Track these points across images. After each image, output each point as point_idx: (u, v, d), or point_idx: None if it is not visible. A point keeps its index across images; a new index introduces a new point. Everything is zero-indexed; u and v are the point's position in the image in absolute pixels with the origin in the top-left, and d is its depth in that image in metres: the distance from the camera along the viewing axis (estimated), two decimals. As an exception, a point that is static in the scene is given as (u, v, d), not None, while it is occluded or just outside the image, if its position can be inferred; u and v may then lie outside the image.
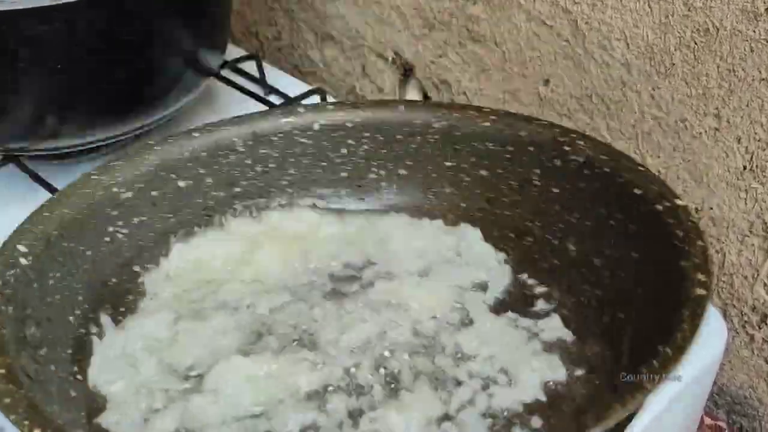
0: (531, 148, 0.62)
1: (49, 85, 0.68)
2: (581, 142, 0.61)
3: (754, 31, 0.62)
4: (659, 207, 0.54)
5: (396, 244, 0.64)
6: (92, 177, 0.57)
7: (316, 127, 0.65)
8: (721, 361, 0.67)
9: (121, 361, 0.54)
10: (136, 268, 0.60)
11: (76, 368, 0.52)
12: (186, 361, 0.54)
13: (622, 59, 0.72)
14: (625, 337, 0.54)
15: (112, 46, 0.69)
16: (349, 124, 0.65)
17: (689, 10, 0.65)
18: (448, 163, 0.65)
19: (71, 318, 0.53)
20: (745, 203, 0.69)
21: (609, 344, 0.54)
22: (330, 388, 0.53)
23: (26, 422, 0.40)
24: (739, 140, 0.67)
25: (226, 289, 0.60)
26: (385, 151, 0.65)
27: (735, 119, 0.66)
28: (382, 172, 0.66)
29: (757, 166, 0.67)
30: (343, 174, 0.66)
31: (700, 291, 0.47)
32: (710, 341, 0.64)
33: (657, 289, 0.52)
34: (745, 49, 0.63)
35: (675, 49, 0.68)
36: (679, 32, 0.67)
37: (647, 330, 0.50)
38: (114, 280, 0.58)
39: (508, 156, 0.63)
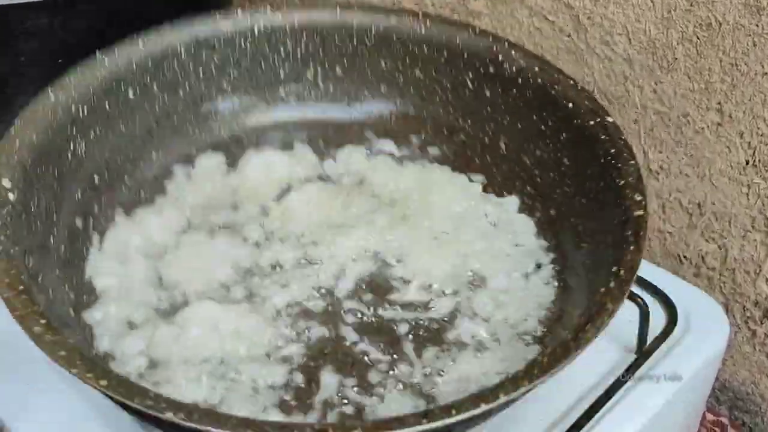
0: (466, 55, 0.65)
1: (50, 79, 0.67)
2: (515, 53, 0.64)
3: (757, 26, 0.62)
4: (591, 122, 0.57)
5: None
6: (50, 96, 0.57)
7: (255, 30, 0.66)
8: (723, 357, 0.67)
9: (117, 256, 0.57)
10: (97, 181, 0.60)
11: (72, 296, 0.54)
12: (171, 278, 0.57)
13: (624, 54, 0.71)
14: (566, 244, 0.59)
15: (111, 40, 0.69)
16: (287, 27, 0.67)
17: (692, 4, 0.65)
18: (383, 64, 0.68)
19: (51, 239, 0.54)
20: (748, 198, 0.69)
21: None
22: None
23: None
24: (741, 135, 0.67)
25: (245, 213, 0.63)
26: (322, 52, 0.68)
27: (737, 114, 0.66)
28: (320, 71, 0.69)
29: (759, 161, 0.67)
30: (281, 74, 0.68)
31: (639, 212, 0.51)
32: (712, 336, 0.64)
33: (593, 199, 0.56)
34: (747, 44, 0.63)
35: (677, 44, 0.67)
36: (681, 27, 0.66)
37: (592, 239, 0.55)
38: (79, 195, 0.59)
39: (442, 60, 0.66)
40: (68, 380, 0.59)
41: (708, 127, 0.69)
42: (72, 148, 0.58)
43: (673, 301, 0.65)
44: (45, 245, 0.53)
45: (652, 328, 0.62)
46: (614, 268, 0.48)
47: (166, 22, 0.64)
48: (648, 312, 0.61)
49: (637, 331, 0.62)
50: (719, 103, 0.67)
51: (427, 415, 0.40)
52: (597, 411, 0.57)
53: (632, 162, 0.55)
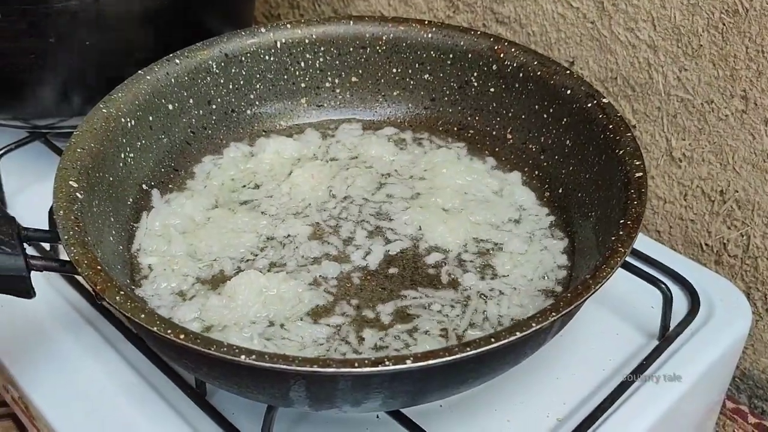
0: (470, 56, 0.71)
1: (77, 62, 0.68)
2: (514, 50, 0.69)
3: (785, 12, 0.62)
4: (589, 105, 0.63)
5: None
6: (102, 109, 0.63)
7: (278, 45, 0.72)
8: (744, 345, 0.67)
9: (159, 235, 0.63)
10: (145, 187, 0.66)
11: (129, 280, 0.60)
12: (204, 250, 0.62)
13: (648, 41, 0.71)
14: (575, 216, 0.63)
15: (138, 25, 0.69)
16: (306, 40, 0.73)
17: (718, -10, 0.65)
18: (395, 70, 0.74)
19: (111, 238, 0.59)
20: (771, 186, 0.69)
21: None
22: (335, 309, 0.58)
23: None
24: (766, 122, 0.67)
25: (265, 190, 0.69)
26: (339, 62, 0.74)
27: (763, 101, 0.66)
28: (337, 81, 0.75)
29: (783, 148, 0.67)
30: (302, 85, 0.74)
31: (639, 174, 0.56)
32: (734, 323, 0.64)
33: (596, 172, 0.61)
34: (774, 30, 0.63)
35: (703, 31, 0.67)
36: (707, 13, 0.66)
37: (599, 207, 0.60)
38: (130, 200, 0.64)
39: (449, 62, 0.72)
40: (92, 360, 0.61)
41: (732, 114, 0.69)
42: (123, 156, 0.64)
43: (696, 288, 0.66)
44: (105, 239, 0.58)
45: (675, 315, 0.62)
46: (621, 221, 0.53)
47: (199, 42, 0.70)
48: (671, 297, 0.61)
49: (659, 318, 0.62)
50: (744, 90, 0.67)
51: (470, 344, 0.44)
52: (621, 395, 0.57)
53: (629, 134, 0.59)
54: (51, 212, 0.59)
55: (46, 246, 0.68)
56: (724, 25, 0.66)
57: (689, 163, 0.74)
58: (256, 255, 0.62)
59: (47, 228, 0.61)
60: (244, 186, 0.69)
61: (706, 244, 0.76)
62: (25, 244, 0.52)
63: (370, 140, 0.73)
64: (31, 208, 0.71)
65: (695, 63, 0.69)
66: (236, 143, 0.72)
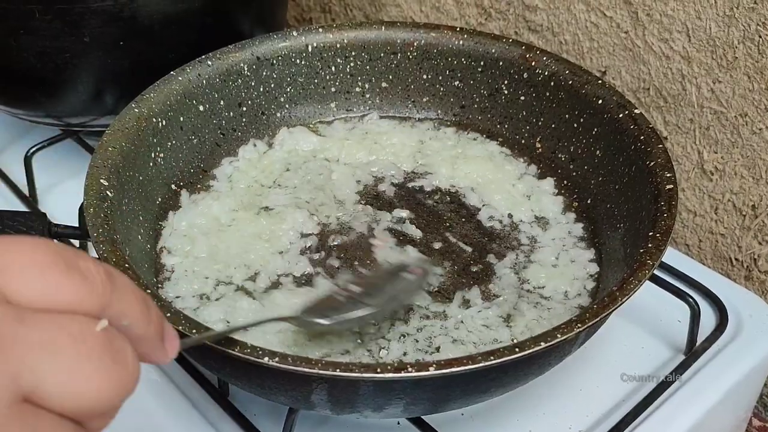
0: (501, 64, 0.71)
1: (111, 61, 0.69)
2: (546, 59, 0.69)
3: (822, 26, 0.61)
4: (620, 115, 0.63)
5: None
6: (134, 109, 0.63)
7: (309, 49, 0.73)
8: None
9: (184, 235, 0.63)
10: (174, 187, 0.66)
11: (154, 279, 0.60)
12: (227, 252, 0.62)
13: (682, 52, 0.71)
14: (604, 227, 0.62)
15: (171, 26, 0.70)
16: (337, 45, 0.73)
17: (755, 2, 0.64)
18: (425, 76, 0.74)
19: (139, 237, 0.60)
20: (805, 202, 0.68)
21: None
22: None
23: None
24: (801, 137, 0.66)
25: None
26: (369, 67, 0.74)
27: (798, 115, 0.65)
28: (367, 86, 0.75)
29: (818, 164, 0.66)
30: (332, 89, 0.75)
31: (670, 186, 0.56)
32: (763, 339, 0.64)
33: (626, 184, 0.61)
34: (811, 44, 0.62)
35: (738, 43, 0.66)
36: (743, 25, 0.66)
37: (627, 219, 0.59)
38: (159, 199, 0.65)
39: (480, 69, 0.72)
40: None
41: (767, 127, 0.68)
42: (153, 156, 0.64)
43: (724, 303, 0.65)
44: (133, 237, 0.58)
45: (702, 330, 0.62)
46: (650, 233, 0.53)
47: (230, 45, 0.71)
48: (699, 312, 0.60)
49: (686, 332, 0.61)
50: (779, 104, 0.66)
51: (493, 353, 0.44)
52: (645, 409, 0.57)
53: (660, 146, 0.59)
54: (81, 210, 0.60)
55: (76, 243, 0.68)
56: (760, 37, 0.65)
57: (721, 176, 0.73)
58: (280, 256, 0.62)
59: (77, 225, 0.62)
60: (270, 187, 0.68)
61: (736, 259, 0.75)
62: (54, 240, 0.52)
63: (402, 130, 0.73)
64: (62, 205, 0.72)
65: (730, 75, 0.68)
66: (255, 139, 0.72)
